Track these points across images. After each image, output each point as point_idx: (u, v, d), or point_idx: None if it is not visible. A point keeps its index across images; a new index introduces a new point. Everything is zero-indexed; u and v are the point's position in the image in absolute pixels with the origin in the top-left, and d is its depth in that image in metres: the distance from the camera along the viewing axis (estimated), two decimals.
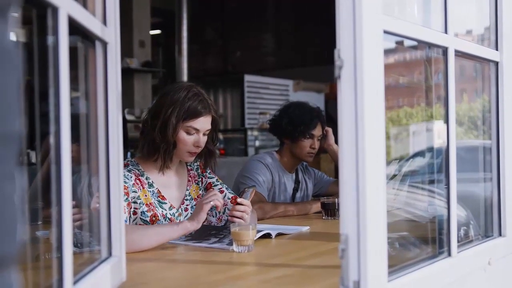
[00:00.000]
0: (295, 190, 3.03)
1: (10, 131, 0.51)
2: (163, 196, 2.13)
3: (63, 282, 0.96)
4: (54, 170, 0.96)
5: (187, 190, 2.23)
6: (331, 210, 2.57)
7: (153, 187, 2.12)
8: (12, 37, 0.53)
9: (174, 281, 1.53)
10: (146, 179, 2.12)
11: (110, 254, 1.31)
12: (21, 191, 0.54)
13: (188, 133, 2.08)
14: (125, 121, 4.96)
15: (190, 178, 2.26)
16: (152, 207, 2.07)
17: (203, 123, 2.09)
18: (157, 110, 2.09)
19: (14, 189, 0.52)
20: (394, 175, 1.88)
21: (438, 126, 1.76)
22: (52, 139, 0.96)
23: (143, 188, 2.09)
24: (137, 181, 2.08)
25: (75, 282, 1.03)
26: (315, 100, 6.06)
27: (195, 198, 2.24)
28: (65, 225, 0.97)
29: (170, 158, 2.12)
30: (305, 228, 2.28)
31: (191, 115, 2.06)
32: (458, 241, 1.48)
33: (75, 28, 1.06)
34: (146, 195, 2.08)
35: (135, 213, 2.04)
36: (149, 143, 2.09)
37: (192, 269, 1.66)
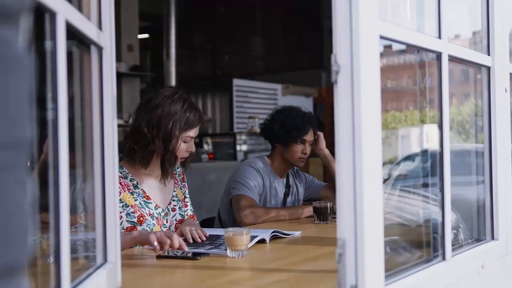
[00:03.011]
0: (286, 194, 3.03)
1: (21, 137, 0.50)
2: (148, 196, 2.19)
3: None
4: (51, 175, 0.95)
5: (174, 191, 2.31)
6: (323, 215, 2.57)
7: (139, 188, 2.18)
8: (23, 43, 0.53)
9: (169, 287, 1.52)
10: (131, 180, 2.17)
11: (105, 260, 1.31)
12: (32, 197, 0.54)
13: (185, 141, 2.19)
14: None
15: (176, 181, 2.35)
16: (138, 208, 2.13)
17: (197, 130, 2.23)
18: (153, 122, 2.13)
19: (25, 195, 0.52)
20: (385, 179, 1.89)
21: (427, 130, 1.77)
22: (49, 144, 0.96)
23: (128, 189, 2.14)
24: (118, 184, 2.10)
25: None
26: (304, 104, 6.05)
27: (181, 200, 2.33)
28: (62, 232, 0.96)
29: (172, 167, 2.20)
30: (297, 233, 2.28)
31: (190, 126, 2.18)
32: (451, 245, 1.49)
33: (71, 32, 1.05)
34: (129, 197, 2.13)
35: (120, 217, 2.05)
36: (149, 153, 2.14)
37: (187, 275, 1.65)
